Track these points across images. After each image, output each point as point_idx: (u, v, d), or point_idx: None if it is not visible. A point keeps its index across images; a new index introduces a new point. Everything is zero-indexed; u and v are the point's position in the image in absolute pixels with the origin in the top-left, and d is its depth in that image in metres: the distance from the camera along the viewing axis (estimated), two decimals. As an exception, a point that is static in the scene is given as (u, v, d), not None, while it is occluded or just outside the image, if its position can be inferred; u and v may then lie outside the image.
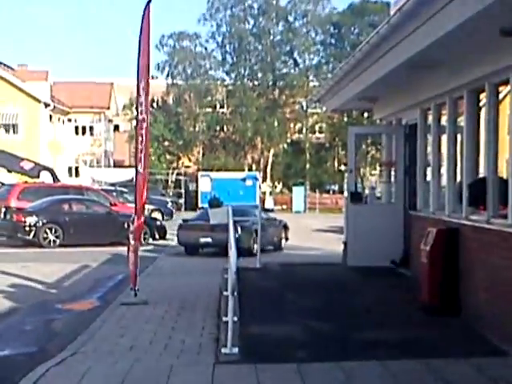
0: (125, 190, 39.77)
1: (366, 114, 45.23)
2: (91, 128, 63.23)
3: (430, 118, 12.82)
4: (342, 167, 59.11)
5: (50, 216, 25.61)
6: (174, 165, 63.23)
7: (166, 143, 63.77)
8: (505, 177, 9.44)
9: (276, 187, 65.19)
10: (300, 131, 66.31)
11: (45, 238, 25.27)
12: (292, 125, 66.11)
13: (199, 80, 64.59)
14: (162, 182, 58.96)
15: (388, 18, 10.34)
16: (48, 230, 25.37)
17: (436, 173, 12.46)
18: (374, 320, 10.51)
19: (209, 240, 22.25)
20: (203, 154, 65.53)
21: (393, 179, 15.90)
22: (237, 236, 20.45)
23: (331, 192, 63.75)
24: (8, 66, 57.74)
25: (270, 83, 65.07)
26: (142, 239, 21.83)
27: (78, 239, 25.27)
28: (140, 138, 12.50)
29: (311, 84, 63.40)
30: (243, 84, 64.27)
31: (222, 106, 65.83)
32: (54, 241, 25.36)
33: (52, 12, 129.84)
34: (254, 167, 63.63)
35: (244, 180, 54.01)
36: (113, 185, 45.07)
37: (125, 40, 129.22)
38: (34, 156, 41.84)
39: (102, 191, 33.46)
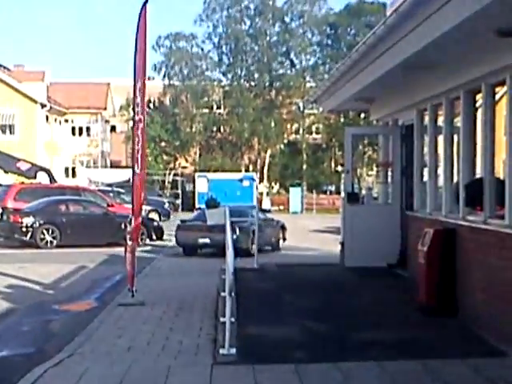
0: (122, 190, 39.75)
1: (362, 115, 45.26)
2: (88, 129, 63.19)
3: (427, 119, 12.83)
4: (339, 168, 59.19)
5: (46, 217, 25.62)
6: (171, 165, 63.20)
7: (163, 144, 63.72)
8: (501, 177, 9.46)
9: (273, 188, 65.19)
10: (297, 132, 66.32)
11: (42, 239, 25.28)
12: (289, 125, 66.10)
13: (196, 81, 64.57)
14: (158, 183, 58.95)
15: (384, 19, 10.36)
16: (45, 231, 25.37)
17: (433, 173, 12.48)
18: (371, 320, 10.52)
19: (207, 241, 22.28)
20: (200, 155, 65.50)
21: (389, 180, 15.92)
22: (235, 237, 20.58)
23: (328, 193, 63.81)
24: (4, 67, 57.69)
25: (267, 84, 65.06)
26: (139, 240, 21.83)
27: (74, 240, 25.27)
28: (137, 139, 12.50)
29: (308, 85, 63.40)
30: (240, 85, 64.26)
31: (218, 107, 65.80)
32: (51, 241, 25.36)
33: (48, 13, 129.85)
34: (250, 168, 63.62)
35: (241, 181, 54.02)
36: (110, 185, 45.06)
37: (121, 40, 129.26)
38: (31, 157, 41.82)
39: (99, 192, 33.46)
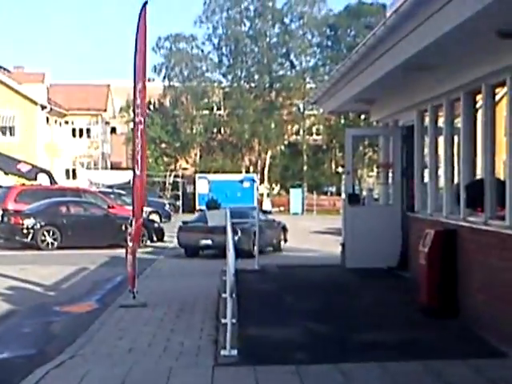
0: (122, 192, 39.75)
1: (362, 116, 45.24)
2: (88, 130, 63.18)
3: (427, 120, 12.84)
4: (340, 169, 59.19)
5: (47, 218, 25.64)
6: (172, 167, 63.20)
7: (164, 145, 63.75)
8: (502, 178, 9.46)
9: (273, 189, 65.20)
10: (297, 133, 66.32)
11: (43, 241, 25.29)
12: (289, 127, 66.10)
13: (196, 82, 64.57)
14: (159, 184, 58.93)
15: (384, 20, 10.35)
16: (46, 233, 25.38)
17: (433, 174, 12.48)
18: (372, 321, 10.52)
19: (209, 242, 22.30)
20: (200, 156, 65.52)
21: (390, 181, 15.93)
22: (237, 238, 20.61)
23: (329, 194, 63.83)
24: (4, 69, 57.69)
25: (267, 85, 65.07)
26: (140, 241, 21.83)
27: (75, 241, 25.27)
28: (137, 140, 12.51)
29: (308, 86, 63.42)
30: (240, 86, 64.28)
31: (218, 108, 65.79)
32: (52, 243, 25.38)
33: (48, 14, 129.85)
34: (251, 169, 63.64)
35: (241, 182, 54.05)
36: (110, 187, 45.04)
37: (121, 42, 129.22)
38: (31, 158, 41.80)
39: (100, 193, 33.43)
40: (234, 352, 8.50)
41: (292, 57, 65.94)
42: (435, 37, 8.77)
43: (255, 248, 18.36)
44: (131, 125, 15.85)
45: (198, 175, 56.80)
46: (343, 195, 16.66)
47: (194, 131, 64.45)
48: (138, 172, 12.48)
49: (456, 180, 11.26)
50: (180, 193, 56.98)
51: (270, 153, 64.61)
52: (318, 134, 66.32)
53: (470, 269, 10.19)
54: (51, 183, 32.65)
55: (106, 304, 13.07)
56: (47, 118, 56.42)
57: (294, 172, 64.41)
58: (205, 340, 9.49)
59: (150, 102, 59.37)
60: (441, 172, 12.09)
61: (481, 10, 7.38)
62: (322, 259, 20.11)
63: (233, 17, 65.03)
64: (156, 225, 28.29)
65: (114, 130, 70.84)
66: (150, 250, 24.61)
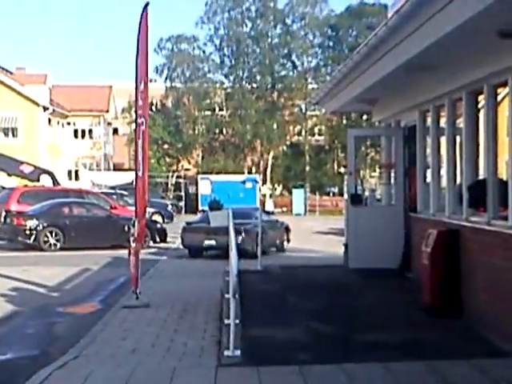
0: (125, 193, 39.80)
1: (365, 117, 45.27)
2: (90, 131, 63.23)
3: (429, 120, 12.84)
4: (342, 169, 59.12)
5: (50, 219, 25.66)
6: (174, 168, 63.24)
7: (166, 146, 63.79)
8: (505, 178, 9.47)
9: (276, 190, 65.18)
10: (299, 133, 66.29)
11: (45, 242, 25.32)
12: (291, 127, 66.08)
13: (198, 83, 64.58)
14: (161, 185, 58.94)
15: (386, 20, 10.35)
16: (48, 234, 25.41)
17: (436, 174, 12.48)
18: (375, 322, 10.52)
19: (212, 243, 22.34)
20: (203, 157, 65.54)
21: (393, 181, 15.92)
22: (240, 238, 20.63)
23: (331, 194, 63.83)
24: (6, 70, 57.73)
25: (269, 86, 65.05)
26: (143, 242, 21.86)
27: (78, 242, 25.30)
28: (139, 141, 12.52)
29: (310, 86, 63.39)
30: (242, 87, 64.28)
31: (220, 109, 65.81)
32: (55, 244, 25.41)
33: (50, 15, 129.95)
34: (253, 170, 63.64)
35: (244, 182, 54.04)
36: (113, 188, 45.09)
37: (123, 43, 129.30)
38: (34, 159, 41.86)
39: (102, 194, 33.48)
40: (238, 352, 8.51)
41: (294, 57, 65.93)
42: (437, 37, 8.77)
43: (258, 248, 18.36)
44: (133, 126, 15.89)
45: (200, 176, 56.81)
46: (346, 196, 16.68)
47: (196, 132, 64.48)
48: (140, 173, 12.49)
49: (458, 180, 11.26)
50: (182, 193, 57.00)
51: (272, 153, 64.61)
52: (320, 135, 66.31)
53: (472, 269, 10.19)
54: (54, 184, 32.69)
55: (109, 305, 13.09)
56: (49, 119, 56.49)
57: (297, 172, 64.39)
58: (208, 340, 9.50)
59: (151, 103, 59.38)
60: (443, 172, 12.09)
61: (482, 10, 7.38)
62: (324, 259, 20.11)
63: (234, 17, 65.03)
64: (159, 225, 28.31)
65: (116, 131, 70.92)
66: (152, 250, 24.63)
